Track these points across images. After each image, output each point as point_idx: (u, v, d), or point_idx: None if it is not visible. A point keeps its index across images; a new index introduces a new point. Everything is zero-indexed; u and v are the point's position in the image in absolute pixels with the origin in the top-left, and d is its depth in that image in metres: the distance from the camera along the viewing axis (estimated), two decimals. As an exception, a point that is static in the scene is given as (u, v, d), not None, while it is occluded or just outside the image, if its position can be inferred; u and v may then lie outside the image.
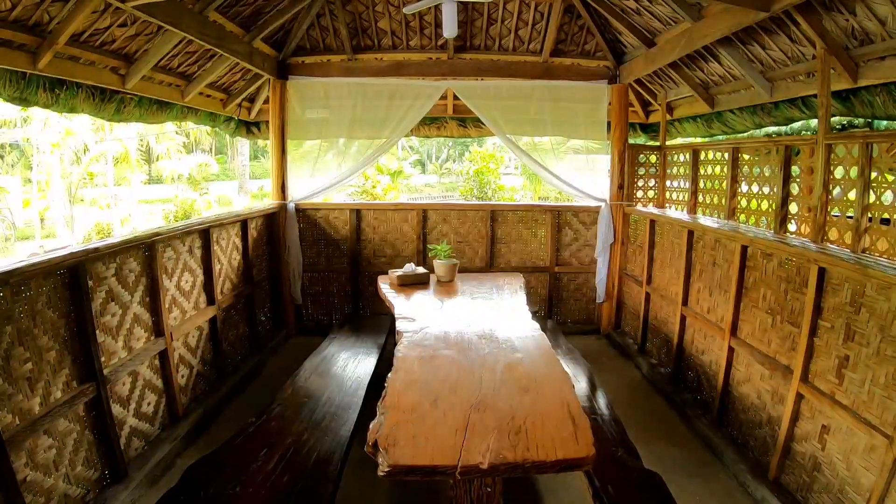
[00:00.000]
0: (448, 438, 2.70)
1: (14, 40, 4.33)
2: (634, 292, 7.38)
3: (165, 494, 3.28)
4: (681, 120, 7.85)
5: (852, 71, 4.65)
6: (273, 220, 7.60)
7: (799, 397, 4.03)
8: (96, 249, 4.07)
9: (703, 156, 6.47)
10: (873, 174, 4.04)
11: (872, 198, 4.06)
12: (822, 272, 3.87)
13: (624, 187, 7.61)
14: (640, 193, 7.70)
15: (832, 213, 4.49)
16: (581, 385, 4.88)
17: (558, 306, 8.19)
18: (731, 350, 5.03)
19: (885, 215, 4.04)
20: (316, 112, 7.78)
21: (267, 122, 8.37)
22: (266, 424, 4.03)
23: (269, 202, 7.84)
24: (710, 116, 7.13)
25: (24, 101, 4.96)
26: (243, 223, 6.65)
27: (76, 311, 3.85)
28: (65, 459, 3.71)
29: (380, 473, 2.51)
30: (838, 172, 4.41)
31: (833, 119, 6.09)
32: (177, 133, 25.07)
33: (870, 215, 4.12)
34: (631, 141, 8.00)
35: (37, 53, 4.55)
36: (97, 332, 4.01)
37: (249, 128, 8.86)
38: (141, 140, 24.46)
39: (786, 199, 5.05)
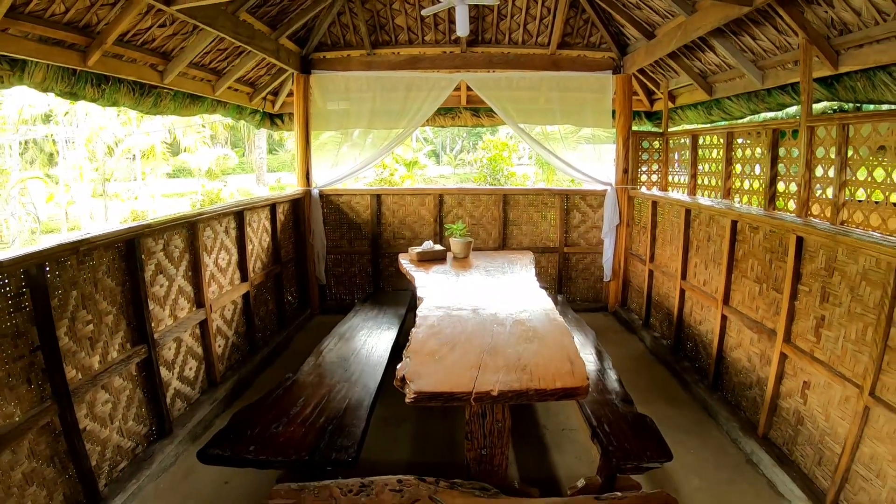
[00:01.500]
0: (464, 373, 3.19)
1: (66, 40, 4.78)
2: (639, 270, 7.80)
3: (217, 434, 3.75)
4: (683, 107, 8.20)
5: (833, 59, 5.02)
6: (299, 205, 8.07)
7: (783, 357, 4.44)
8: (149, 225, 4.56)
9: (701, 141, 6.85)
10: (850, 153, 4.43)
11: (849, 174, 4.45)
12: (800, 241, 4.29)
13: (628, 171, 8.01)
14: (644, 178, 8.09)
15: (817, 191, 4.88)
16: (587, 348, 5.34)
17: (567, 285, 8.61)
18: (723, 318, 5.44)
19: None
20: (337, 104, 8.23)
21: (290, 114, 8.88)
22: (302, 379, 4.53)
23: (295, 188, 8.31)
24: (710, 104, 7.49)
25: (73, 96, 5.41)
26: (272, 207, 7.12)
27: (130, 280, 4.33)
28: (119, 413, 4.18)
29: (407, 401, 2.99)
30: (820, 152, 4.81)
31: (822, 104, 6.48)
32: (203, 126, 25.53)
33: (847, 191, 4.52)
34: (636, 128, 8.39)
35: (86, 52, 5.01)
36: (148, 300, 4.49)
37: (273, 120, 9.32)
38: (169, 133, 24.99)
39: (774, 178, 5.44)
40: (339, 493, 2.97)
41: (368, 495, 2.97)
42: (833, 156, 4.58)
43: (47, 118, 22.76)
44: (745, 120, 8.11)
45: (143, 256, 4.46)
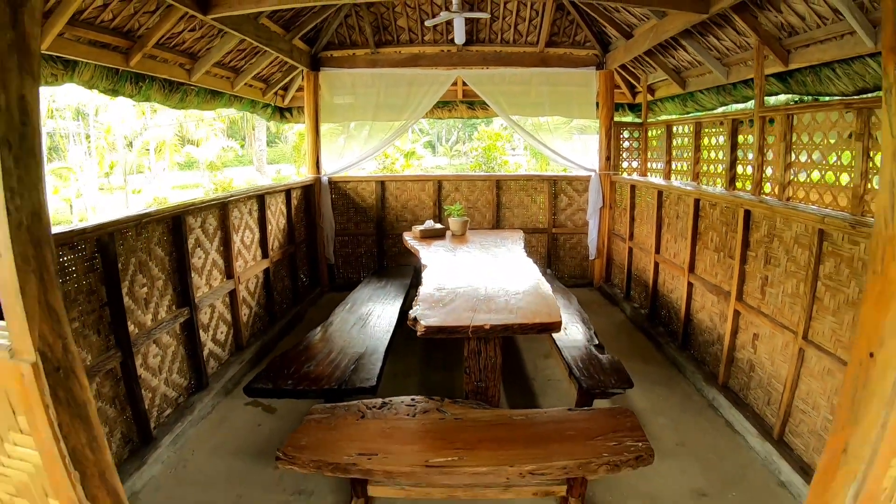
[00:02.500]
0: (463, 314, 4.00)
1: (112, 43, 5.50)
2: (620, 248, 8.56)
3: (258, 374, 4.54)
4: (662, 100, 8.91)
5: (784, 57, 5.77)
6: (310, 191, 8.80)
7: (736, 314, 5.22)
8: (192, 203, 5.33)
9: (675, 130, 7.60)
10: (795, 138, 5.17)
11: (793, 157, 5.19)
12: (747, 214, 5.07)
13: (610, 158, 8.76)
14: (625, 164, 8.84)
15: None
16: (568, 309, 6.14)
17: (556, 263, 9.36)
18: (689, 285, 6.21)
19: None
20: (343, 98, 8.94)
21: (298, 107, 9.64)
22: (324, 333, 5.35)
23: (306, 176, 9.04)
24: (685, 96, 8.23)
25: (114, 92, 6.12)
26: (287, 192, 7.86)
27: (176, 251, 5.06)
28: (166, 366, 4.91)
29: (418, 334, 3.78)
30: (771, 139, 5.56)
31: (785, 97, 7.21)
32: (214, 120, 26.21)
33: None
34: (618, 119, 9.17)
35: (128, 54, 5.73)
36: (190, 269, 5.23)
37: (283, 113, 10.03)
38: (180, 126, 25.69)
39: (733, 162, 6.19)
40: (364, 408, 3.76)
41: (388, 409, 3.76)
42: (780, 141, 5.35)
43: (51, 113, 23.35)
44: (720, 110, 8.85)
45: (186, 231, 5.21)
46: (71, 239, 3.76)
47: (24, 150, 1.37)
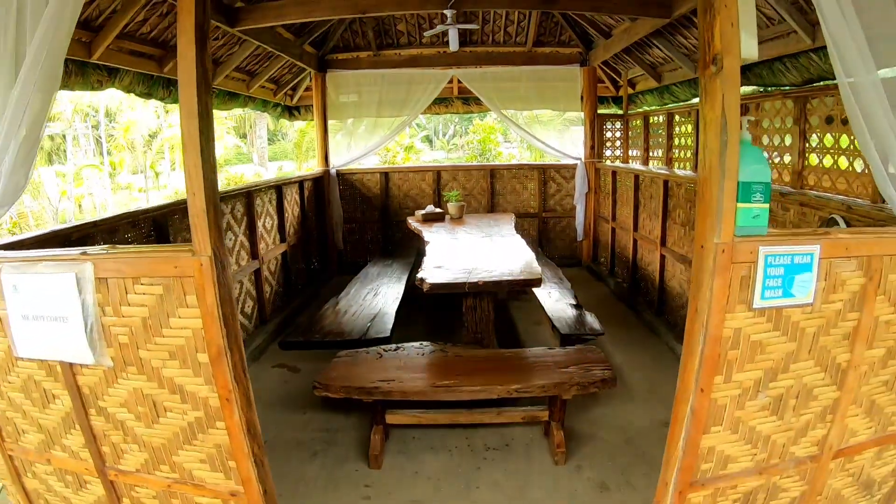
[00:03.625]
0: (460, 275, 4.85)
1: (148, 52, 6.30)
2: (605, 229, 9.37)
3: (289, 331, 5.41)
4: (642, 93, 9.66)
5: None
6: (320, 183, 9.59)
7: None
8: (224, 192, 6.13)
9: (651, 120, 8.41)
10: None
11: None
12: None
13: (595, 147, 9.54)
14: (608, 153, 9.65)
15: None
16: (552, 280, 7.00)
17: (547, 245, 10.15)
18: (662, 257, 7.00)
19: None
20: (348, 97, 9.73)
21: (306, 106, 10.45)
22: (342, 301, 6.19)
23: (315, 169, 9.84)
24: (661, 89, 9.01)
25: (148, 96, 6.85)
26: (300, 184, 8.67)
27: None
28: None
29: (424, 290, 4.62)
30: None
31: (752, 87, 8.03)
32: (226, 119, 27.01)
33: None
34: (602, 111, 9.95)
35: (162, 62, 6.52)
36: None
37: (292, 111, 10.81)
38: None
39: (697, 149, 6.99)
40: (382, 351, 4.63)
41: (402, 351, 4.62)
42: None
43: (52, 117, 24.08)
44: (695, 101, 9.62)
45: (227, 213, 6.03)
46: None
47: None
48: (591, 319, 5.65)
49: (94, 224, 4.36)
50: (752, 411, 2.40)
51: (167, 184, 26.10)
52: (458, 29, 6.27)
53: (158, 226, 4.93)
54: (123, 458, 2.60)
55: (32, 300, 2.35)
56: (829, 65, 2.71)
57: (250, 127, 31.51)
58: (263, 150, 31.98)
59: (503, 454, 4.43)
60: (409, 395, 4.10)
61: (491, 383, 4.13)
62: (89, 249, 2.34)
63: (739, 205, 2.15)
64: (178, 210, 5.31)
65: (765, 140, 5.63)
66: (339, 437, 4.68)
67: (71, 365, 2.44)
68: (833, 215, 3.94)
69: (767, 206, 2.18)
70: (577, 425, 4.69)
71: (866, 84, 2.37)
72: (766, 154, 5.54)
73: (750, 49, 2.53)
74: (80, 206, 24.23)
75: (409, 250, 8.83)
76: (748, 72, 6.86)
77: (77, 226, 4.29)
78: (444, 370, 4.38)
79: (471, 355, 4.60)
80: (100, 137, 25.08)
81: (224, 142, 27.32)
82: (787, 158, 5.32)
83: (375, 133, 9.84)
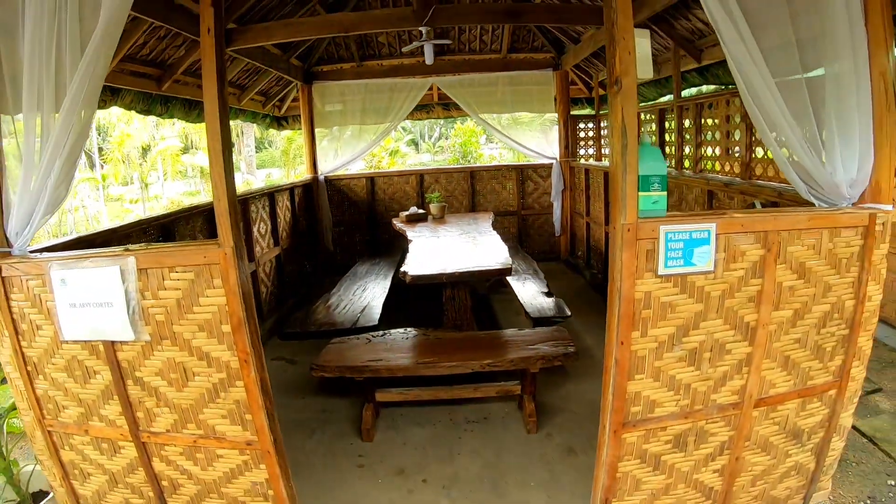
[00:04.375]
0: (440, 267, 5.36)
1: (146, 72, 6.78)
2: (580, 224, 9.89)
3: (288, 323, 5.92)
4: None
5: (697, 55, 7.11)
6: (309, 189, 10.07)
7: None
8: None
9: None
10: (705, 122, 6.50)
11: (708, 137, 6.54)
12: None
13: (569, 147, 10.07)
14: (582, 151, 10.18)
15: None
16: (528, 270, 7.56)
17: (526, 241, 10.66)
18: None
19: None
20: (334, 106, 10.22)
21: (293, 116, 10.96)
22: (334, 296, 6.74)
23: (305, 176, 10.31)
24: (630, 90, 9.56)
25: (147, 112, 7.34)
26: (291, 190, 9.17)
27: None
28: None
29: (407, 281, 5.14)
30: (687, 122, 6.89)
31: (713, 86, 8.57)
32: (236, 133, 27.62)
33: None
34: (577, 112, 10.51)
35: (160, 80, 7.00)
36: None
37: (280, 122, 11.31)
38: (185, 137, 27.09)
39: (661, 144, 7.53)
40: (371, 337, 5.17)
41: (388, 336, 5.16)
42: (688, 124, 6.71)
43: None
44: (663, 100, 10.17)
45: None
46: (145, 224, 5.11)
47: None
48: (560, 305, 6.22)
49: (113, 230, 4.90)
50: (671, 362, 2.92)
51: (159, 194, 26.56)
52: (434, 44, 6.76)
53: (166, 230, 5.43)
54: (155, 421, 3.10)
55: (79, 291, 2.86)
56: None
57: (237, 136, 31.86)
58: (251, 158, 32.30)
59: (482, 426, 4.97)
60: (396, 372, 4.64)
61: (467, 359, 4.69)
62: (131, 246, 2.88)
63: (641, 193, 2.71)
64: (181, 217, 5.83)
65: (717, 135, 6.16)
66: (335, 417, 5.18)
67: (113, 343, 2.94)
68: (754, 201, 4.49)
69: (665, 193, 2.74)
70: (548, 400, 5.21)
71: (763, 89, 2.88)
72: (659, 150, 6.11)
73: (646, 72, 3.07)
74: (64, 212, 24.70)
75: (395, 250, 9.34)
76: (706, 72, 7.43)
77: (98, 233, 4.86)
78: (426, 350, 4.92)
79: (450, 337, 5.16)
80: (91, 151, 25.49)
81: (194, 155, 27.91)
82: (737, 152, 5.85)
83: (361, 139, 10.29)
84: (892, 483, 4.10)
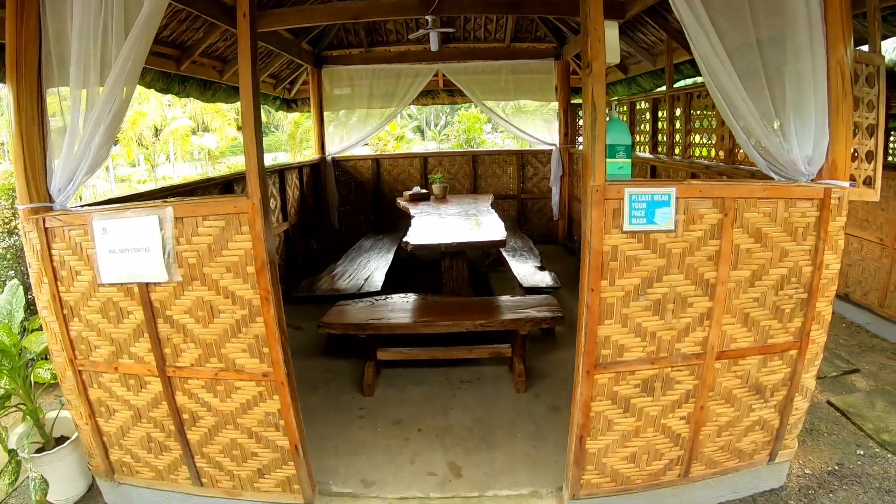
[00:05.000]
0: (441, 238, 5.77)
1: (166, 52, 7.14)
2: (578, 209, 10.25)
3: (298, 288, 6.31)
4: (612, 84, 10.56)
5: (689, 47, 7.46)
6: (317, 169, 10.47)
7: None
8: (236, 174, 7.07)
9: (618, 109, 9.27)
10: (694, 111, 6.87)
11: (697, 125, 6.89)
12: (653, 168, 6.81)
13: (568, 134, 10.43)
14: (580, 139, 10.50)
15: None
16: (525, 248, 7.95)
17: (525, 224, 11.04)
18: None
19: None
20: (342, 90, 10.60)
21: (303, 98, 11.30)
22: (339, 266, 7.16)
23: (313, 156, 10.71)
24: (629, 80, 9.92)
25: (165, 91, 7.72)
26: (300, 169, 9.56)
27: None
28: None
29: (408, 249, 5.55)
30: (678, 111, 7.24)
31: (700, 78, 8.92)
32: (228, 111, 27.89)
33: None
34: (576, 101, 10.86)
35: (179, 61, 7.36)
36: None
37: (290, 104, 11.66)
38: (194, 118, 27.45)
39: (655, 132, 7.91)
40: (374, 301, 5.57)
41: (389, 300, 5.55)
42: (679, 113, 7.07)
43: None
44: (659, 90, 10.51)
45: (237, 188, 6.91)
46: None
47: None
48: (550, 277, 6.64)
49: (139, 195, 5.34)
50: (637, 310, 3.30)
51: (169, 175, 26.95)
52: (439, 32, 7.13)
53: (189, 195, 5.86)
54: (181, 356, 3.48)
55: (119, 238, 3.25)
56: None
57: (236, 116, 32.18)
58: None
59: (474, 385, 5.37)
60: (396, 330, 5.07)
61: (462, 320, 5.11)
62: (169, 199, 3.29)
63: (608, 160, 3.09)
64: (199, 187, 6.26)
65: (704, 123, 6.52)
66: (337, 377, 5.58)
67: (147, 285, 3.33)
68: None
69: (629, 160, 3.16)
70: (537, 365, 5.59)
71: (728, 83, 3.26)
72: (626, 124, 6.47)
73: (613, 57, 3.46)
74: (79, 196, 24.92)
75: (399, 229, 9.69)
76: (695, 65, 7.76)
77: (129, 195, 5.36)
78: (425, 311, 5.36)
79: (447, 302, 5.60)
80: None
81: (226, 133, 28.22)
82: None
83: (367, 123, 10.69)
84: (861, 453, 4.47)
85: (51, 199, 3.42)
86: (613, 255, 3.21)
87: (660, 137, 7.86)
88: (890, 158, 9.24)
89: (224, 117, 27.70)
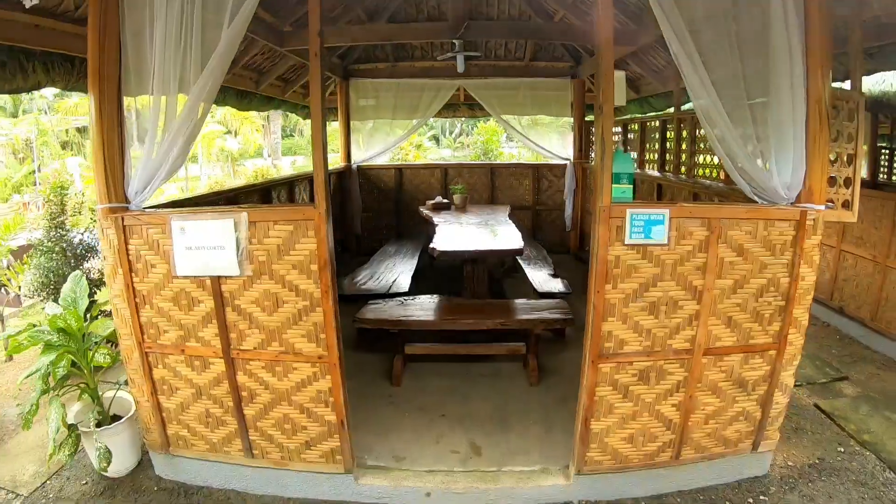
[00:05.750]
0: (464, 246, 6.39)
1: (247, 76, 7.80)
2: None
3: None
4: (629, 102, 11.08)
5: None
6: (343, 176, 11.05)
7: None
8: (274, 180, 7.69)
9: (629, 127, 9.82)
10: (699, 133, 7.36)
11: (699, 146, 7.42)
12: (660, 186, 7.36)
13: (582, 150, 10.95)
14: (593, 154, 11.00)
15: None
16: (539, 256, 8.53)
17: (539, 234, 11.54)
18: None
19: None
20: (367, 101, 11.14)
21: (330, 108, 11.74)
22: (367, 269, 7.76)
23: (339, 164, 11.28)
24: (641, 100, 10.45)
25: (247, 108, 8.79)
26: (328, 176, 10.12)
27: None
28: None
29: (434, 256, 6.12)
30: (685, 133, 7.75)
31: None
32: (257, 118, 28.60)
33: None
34: (590, 118, 11.39)
35: (258, 83, 8.00)
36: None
37: (316, 113, 12.25)
38: (223, 123, 28.16)
39: (663, 151, 8.42)
40: (402, 300, 6.16)
41: (417, 300, 6.16)
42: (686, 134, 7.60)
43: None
44: (670, 110, 11.01)
45: (273, 198, 7.51)
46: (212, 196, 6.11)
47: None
48: (562, 284, 7.21)
49: (217, 192, 5.98)
50: (635, 310, 3.89)
51: (198, 175, 27.62)
52: (465, 55, 7.72)
53: (231, 201, 6.44)
54: (245, 340, 4.07)
55: (195, 237, 3.84)
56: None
57: (263, 122, 32.73)
58: (277, 144, 33.26)
59: (492, 379, 5.96)
60: (424, 326, 5.70)
61: (482, 318, 5.75)
62: (242, 206, 3.91)
63: (614, 185, 3.68)
64: (254, 191, 6.88)
65: (708, 145, 7.04)
66: (367, 369, 6.16)
67: (219, 278, 3.93)
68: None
69: (631, 186, 3.76)
70: (549, 364, 6.16)
71: (714, 113, 3.84)
72: (632, 157, 6.98)
73: (620, 100, 4.09)
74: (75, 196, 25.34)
75: (419, 235, 10.26)
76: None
77: (205, 194, 5.99)
78: (449, 311, 6.00)
79: (469, 303, 6.23)
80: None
81: (253, 138, 28.92)
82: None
83: (391, 133, 11.29)
84: (842, 450, 5.00)
85: (127, 201, 4.01)
86: (616, 263, 3.81)
87: (668, 157, 8.35)
88: (882, 178, 9.76)
89: (252, 123, 28.43)
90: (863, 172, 9.40)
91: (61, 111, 24.85)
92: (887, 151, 9.09)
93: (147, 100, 3.96)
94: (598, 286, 3.83)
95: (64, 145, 26.94)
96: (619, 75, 4.57)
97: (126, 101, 3.97)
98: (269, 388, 4.21)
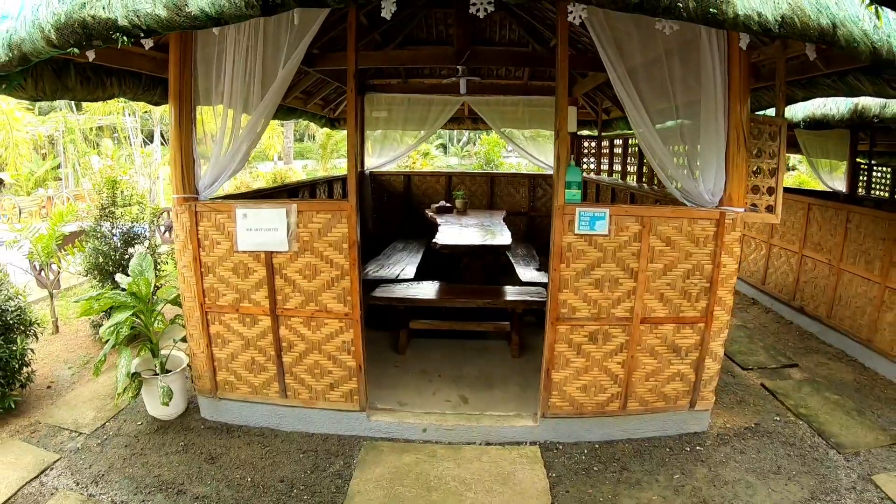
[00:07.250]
0: (463, 242, 7.61)
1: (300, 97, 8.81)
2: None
3: None
4: (615, 119, 11.98)
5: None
6: (356, 181, 12.05)
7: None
8: (300, 182, 8.91)
9: (615, 142, 10.86)
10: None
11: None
12: (632, 195, 8.47)
13: (576, 162, 12.00)
14: (585, 166, 12.09)
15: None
16: (528, 255, 9.71)
17: (534, 238, 12.35)
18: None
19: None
20: (380, 113, 12.13)
21: (345, 119, 12.76)
22: (377, 261, 8.92)
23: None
24: (621, 119, 11.50)
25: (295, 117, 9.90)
26: (344, 181, 11.25)
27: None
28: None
29: (436, 248, 7.32)
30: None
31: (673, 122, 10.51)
32: (280, 126, 29.62)
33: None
34: (586, 133, 12.50)
35: (305, 102, 9.08)
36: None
37: (333, 122, 13.28)
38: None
39: (641, 164, 9.48)
40: (408, 285, 7.37)
41: (420, 284, 7.38)
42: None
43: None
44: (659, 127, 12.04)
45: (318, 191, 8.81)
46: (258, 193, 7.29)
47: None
48: (545, 276, 8.29)
49: (274, 188, 7.26)
50: (584, 285, 5.10)
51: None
52: (468, 79, 8.87)
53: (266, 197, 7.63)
54: (288, 301, 5.30)
55: (254, 221, 5.06)
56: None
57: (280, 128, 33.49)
58: (289, 149, 34.06)
59: (480, 352, 7.20)
60: (425, 303, 6.94)
61: (474, 298, 6.99)
62: (295, 199, 5.15)
63: (567, 190, 4.92)
64: (281, 191, 8.09)
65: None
66: (376, 343, 7.32)
67: (271, 253, 5.16)
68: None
69: (579, 191, 4.98)
70: (530, 342, 7.34)
71: (649, 136, 5.03)
72: (578, 169, 8.00)
73: (572, 127, 5.31)
74: (121, 190, 26.01)
75: (425, 235, 11.22)
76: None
77: (267, 188, 7.28)
78: (447, 292, 7.22)
79: (464, 287, 7.46)
80: (152, 134, 27.21)
81: (272, 143, 29.92)
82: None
83: (402, 143, 12.31)
84: (777, 419, 6.03)
85: (197, 193, 5.21)
86: (569, 248, 5.01)
87: (630, 169, 9.50)
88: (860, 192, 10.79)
89: (272, 129, 29.45)
90: (841, 186, 10.61)
91: (89, 110, 25.19)
92: (865, 167, 10.04)
93: (211, 115, 5.18)
94: (556, 265, 5.04)
95: (88, 143, 27.65)
96: (572, 109, 5.81)
97: (196, 108, 5.17)
98: (305, 339, 5.41)
